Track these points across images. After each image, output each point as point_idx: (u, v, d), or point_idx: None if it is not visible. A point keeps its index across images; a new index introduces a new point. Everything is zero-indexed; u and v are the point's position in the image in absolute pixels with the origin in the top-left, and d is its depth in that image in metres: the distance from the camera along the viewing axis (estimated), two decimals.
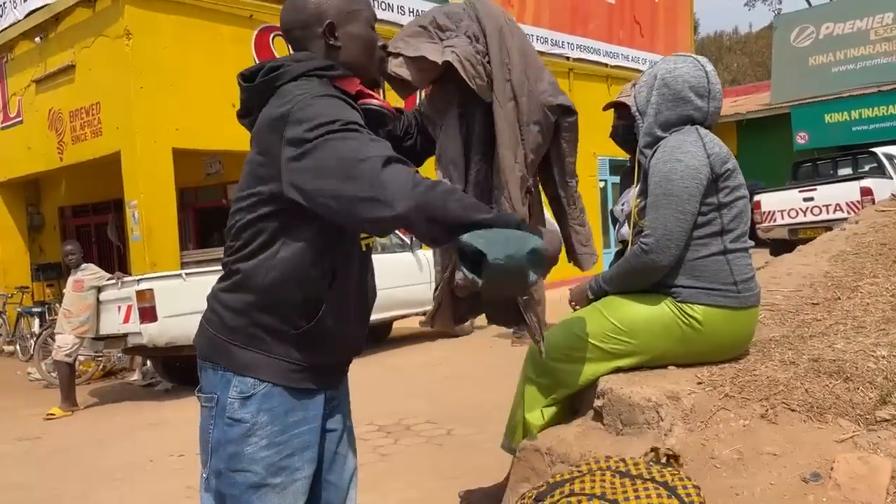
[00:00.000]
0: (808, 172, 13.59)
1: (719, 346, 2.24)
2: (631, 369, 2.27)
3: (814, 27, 18.87)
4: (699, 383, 2.15)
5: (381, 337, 9.58)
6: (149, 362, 8.46)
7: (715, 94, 2.27)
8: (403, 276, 8.72)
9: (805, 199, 11.63)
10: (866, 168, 12.92)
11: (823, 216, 11.63)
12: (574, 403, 2.42)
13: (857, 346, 2.24)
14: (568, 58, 14.70)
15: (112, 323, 7.24)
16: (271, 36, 10.30)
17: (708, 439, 1.93)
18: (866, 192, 11.33)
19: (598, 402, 2.22)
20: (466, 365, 7.37)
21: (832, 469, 1.70)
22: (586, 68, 15.13)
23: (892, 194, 5.21)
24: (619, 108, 2.98)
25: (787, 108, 18.39)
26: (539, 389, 2.36)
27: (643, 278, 2.23)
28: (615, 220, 3.01)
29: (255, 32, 10.10)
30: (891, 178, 12.29)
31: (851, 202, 11.37)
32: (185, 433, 5.67)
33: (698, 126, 2.27)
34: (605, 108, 3.11)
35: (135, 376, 8.84)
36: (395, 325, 9.67)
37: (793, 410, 1.95)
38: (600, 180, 15.57)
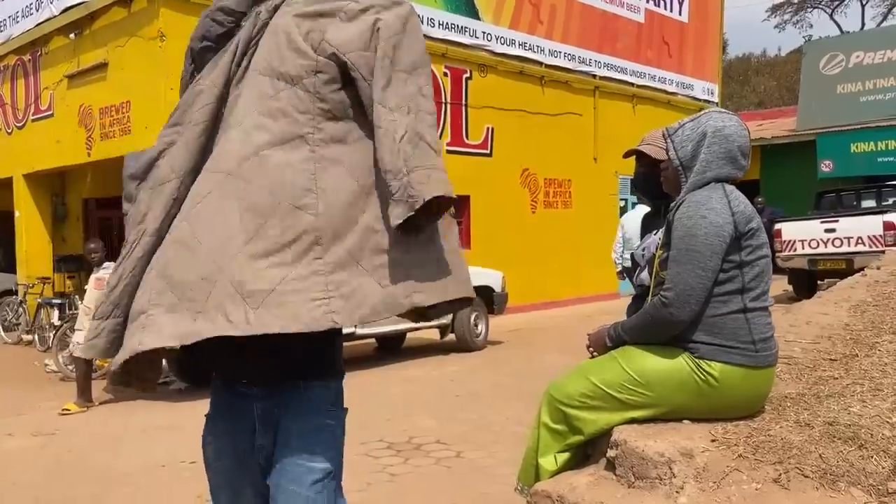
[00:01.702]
0: (831, 203, 13.51)
1: (734, 403, 2.26)
2: (645, 421, 2.29)
3: (843, 55, 18.75)
4: (713, 440, 2.16)
5: (395, 348, 9.64)
6: (164, 361, 8.55)
7: (749, 156, 2.31)
8: None
9: (826, 230, 11.56)
10: (890, 201, 12.83)
11: (844, 248, 11.55)
12: (587, 449, 2.44)
13: (873, 411, 2.24)
14: (594, 76, 14.72)
15: None
16: None
17: (720, 501, 1.94)
18: (889, 226, 11.25)
19: (611, 453, 2.24)
20: (477, 382, 7.40)
21: None
22: (612, 87, 15.14)
23: None
24: (640, 156, 3.00)
25: (812, 135, 18.28)
26: (553, 435, 2.38)
27: (661, 331, 2.25)
28: (636, 265, 3.02)
29: None
30: None
31: (874, 236, 11.29)
32: (197, 438, 5.73)
33: (725, 184, 2.29)
34: (626, 156, 3.13)
35: None
36: (409, 335, 9.72)
37: (806, 476, 1.96)
38: (621, 199, 15.55)
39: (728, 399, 2.23)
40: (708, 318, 2.21)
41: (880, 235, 11.24)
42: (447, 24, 12.23)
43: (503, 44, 13.07)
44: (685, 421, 2.28)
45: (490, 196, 12.75)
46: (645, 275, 2.90)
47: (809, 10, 43.77)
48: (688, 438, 2.17)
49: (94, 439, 5.87)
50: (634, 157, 3.06)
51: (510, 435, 5.09)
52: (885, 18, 42.09)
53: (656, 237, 2.91)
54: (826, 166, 18.19)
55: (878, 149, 17.69)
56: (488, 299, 9.58)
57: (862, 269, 10.45)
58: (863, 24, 41.93)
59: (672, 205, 2.33)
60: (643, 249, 2.95)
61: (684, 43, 17.03)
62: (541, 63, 13.68)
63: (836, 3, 43.35)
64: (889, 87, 17.93)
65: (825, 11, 43.81)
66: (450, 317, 9.09)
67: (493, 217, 12.74)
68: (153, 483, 4.64)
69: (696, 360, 2.21)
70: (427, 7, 11.92)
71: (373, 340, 9.43)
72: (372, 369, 8.27)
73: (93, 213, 13.51)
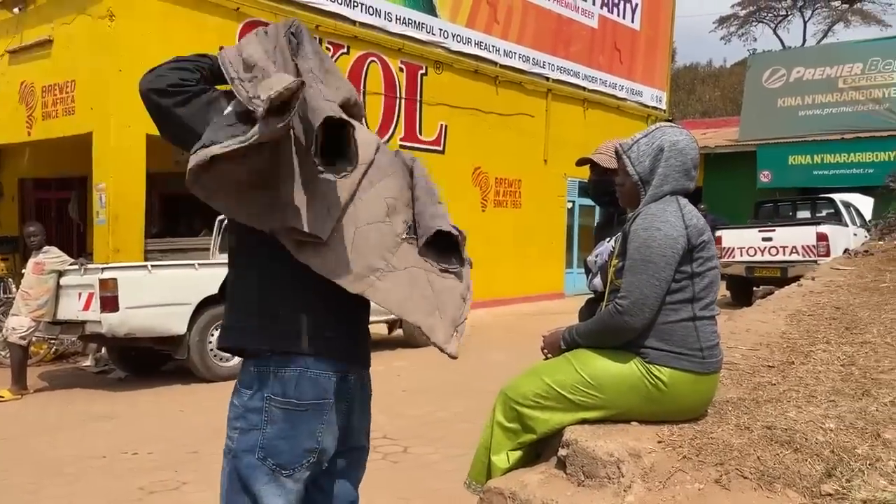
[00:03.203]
0: (769, 212, 14.00)
1: (681, 407, 2.36)
2: (596, 421, 2.37)
3: (785, 70, 19.42)
4: (659, 442, 2.26)
5: None
6: (103, 349, 8.37)
7: (698, 168, 2.41)
8: None
9: (764, 239, 11.99)
10: (824, 213, 13.36)
11: (780, 257, 12.00)
12: (538, 448, 2.51)
13: (807, 416, 2.37)
14: (547, 78, 14.91)
15: (71, 309, 7.16)
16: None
17: (665, 500, 2.03)
18: (822, 237, 11.73)
19: (562, 452, 2.32)
20: (425, 378, 7.45)
21: None
22: (564, 90, 15.35)
23: (847, 251, 5.42)
24: (593, 165, 3.09)
25: (753, 146, 18.90)
26: (506, 433, 2.45)
27: (615, 337, 2.33)
28: (588, 270, 3.11)
29: (241, 25, 10.06)
30: (846, 225, 12.74)
31: (807, 246, 11.76)
32: (138, 429, 5.65)
33: (679, 196, 2.39)
34: (579, 164, 3.21)
35: (87, 362, 8.74)
36: None
37: (745, 478, 2.07)
38: (569, 201, 15.80)
39: (675, 403, 2.33)
40: (659, 325, 2.30)
41: (813, 246, 11.72)
42: (404, 19, 12.22)
43: (459, 42, 13.13)
44: (634, 423, 2.37)
45: (442, 193, 12.77)
46: (598, 281, 2.98)
47: (754, 24, 45.12)
48: (636, 440, 2.26)
49: (29, 428, 5.72)
50: (588, 165, 3.14)
51: (458, 431, 5.16)
52: (825, 35, 43.66)
53: (609, 244, 3.01)
54: (765, 177, 18.84)
55: (814, 162, 18.41)
56: None
57: (795, 277, 10.89)
58: (804, 41, 43.40)
59: (629, 216, 2.42)
60: (596, 256, 3.04)
61: (635, 50, 17.38)
62: (495, 63, 13.79)
63: (780, 18, 44.81)
64: (826, 103, 18.65)
65: (769, 26, 45.23)
66: None
67: None
68: (92, 474, 4.56)
69: (647, 365, 2.30)
70: (385, 1, 11.91)
71: None
72: None
73: (29, 193, 13.06)
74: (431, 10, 12.71)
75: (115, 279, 6.81)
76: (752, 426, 2.32)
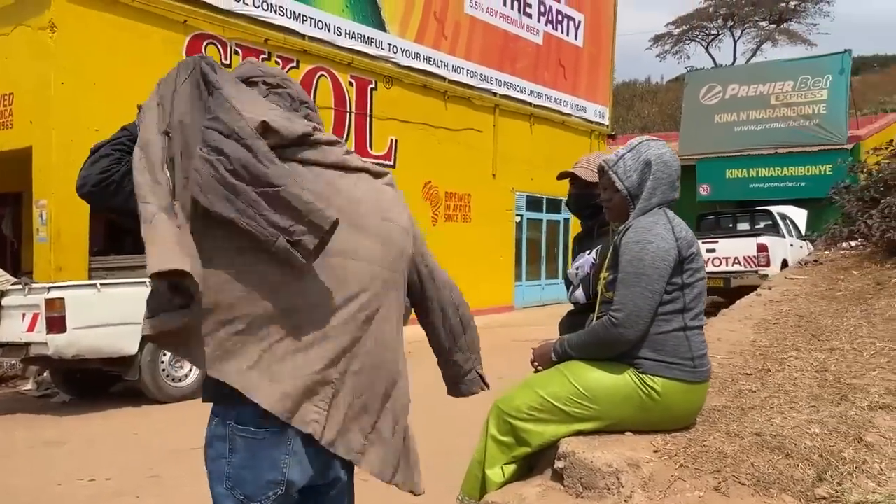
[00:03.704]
0: (711, 225, 14.43)
1: (673, 416, 2.40)
2: (590, 433, 2.39)
3: (721, 87, 20.10)
4: (655, 451, 2.29)
5: None
6: (45, 372, 8.04)
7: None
8: None
9: (707, 251, 12.33)
10: (762, 225, 13.84)
11: (723, 268, 12.38)
12: (531, 461, 2.51)
13: (792, 422, 2.44)
14: (495, 94, 15.07)
15: (13, 330, 6.87)
16: (204, 44, 10.10)
17: None
18: (762, 248, 12.16)
19: (559, 464, 2.32)
20: None
21: None
22: (511, 105, 15.54)
23: (799, 262, 5.62)
24: (574, 178, 3.12)
25: (693, 160, 19.46)
26: (500, 447, 2.44)
27: (609, 349, 2.36)
28: (569, 283, 3.14)
29: (188, 38, 9.89)
30: (784, 236, 13.22)
31: (748, 257, 12.17)
32: (92, 454, 5.44)
33: (665, 209, 2.44)
34: (560, 178, 3.23)
35: (28, 386, 8.38)
36: None
37: (742, 484, 2.11)
38: (517, 215, 15.95)
39: (668, 412, 2.37)
40: (651, 335, 2.34)
41: (754, 256, 12.14)
42: (354, 33, 12.20)
43: (408, 57, 13.17)
44: (627, 433, 2.40)
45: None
46: (579, 293, 3.02)
47: (687, 42, 46.69)
48: (632, 450, 2.29)
49: None
50: (568, 179, 3.18)
51: (425, 449, 5.11)
52: (754, 54, 45.47)
53: (590, 257, 3.05)
54: (704, 190, 19.42)
55: (751, 175, 19.08)
56: None
57: (738, 287, 11.23)
58: (734, 59, 45.10)
59: (619, 229, 2.45)
60: (577, 269, 3.07)
61: (579, 66, 17.73)
62: (444, 78, 13.88)
63: (712, 37, 46.46)
64: (760, 119, 19.36)
65: (701, 45, 46.86)
66: None
67: None
68: (50, 503, 4.36)
69: (641, 376, 2.33)
70: (334, 16, 11.87)
71: None
72: None
73: None
74: (381, 25, 12.72)
75: (62, 299, 6.56)
76: (741, 433, 2.38)
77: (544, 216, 16.84)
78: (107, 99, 8.87)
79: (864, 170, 6.57)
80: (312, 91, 11.59)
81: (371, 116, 12.63)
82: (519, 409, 2.41)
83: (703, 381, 2.40)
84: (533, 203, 16.40)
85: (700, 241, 11.03)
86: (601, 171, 2.57)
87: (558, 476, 2.33)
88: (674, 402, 2.35)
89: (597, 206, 3.05)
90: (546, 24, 16.54)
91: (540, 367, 2.59)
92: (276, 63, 11.05)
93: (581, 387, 2.36)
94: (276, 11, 10.95)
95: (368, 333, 1.67)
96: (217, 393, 1.63)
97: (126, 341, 6.92)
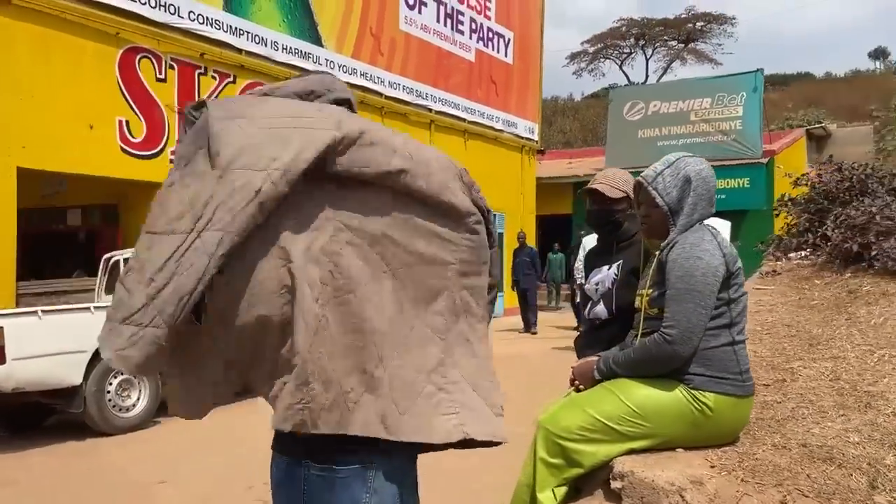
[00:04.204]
0: None
1: (722, 431, 2.41)
2: (641, 451, 2.38)
3: (644, 103, 20.80)
4: (712, 467, 2.29)
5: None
6: None
7: None
8: None
9: None
10: None
11: None
12: (578, 482, 2.47)
13: (831, 432, 2.50)
14: (430, 110, 15.11)
15: None
16: (137, 57, 9.72)
17: None
18: None
19: (616, 484, 2.29)
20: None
21: None
22: (446, 121, 15.62)
23: (760, 273, 5.82)
24: (593, 195, 3.12)
25: None
26: (550, 469, 2.40)
27: (661, 366, 2.35)
28: (587, 299, 3.13)
29: (121, 52, 9.50)
30: None
31: None
32: (46, 494, 5.08)
33: (708, 225, 2.46)
34: (583, 193, 3.23)
35: None
36: None
37: (805, 496, 2.14)
38: None
39: (718, 427, 2.38)
40: (700, 351, 2.34)
41: None
42: (291, 48, 12.01)
43: (345, 72, 13.04)
44: (678, 450, 2.40)
45: None
46: (600, 308, 3.02)
47: (602, 60, 48.26)
48: (689, 466, 2.28)
49: None
50: (587, 195, 3.18)
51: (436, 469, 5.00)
52: (665, 72, 47.42)
53: (611, 272, 3.05)
54: None
55: None
56: None
57: None
58: (647, 76, 46.90)
59: (664, 245, 2.45)
60: (597, 284, 3.07)
61: (509, 83, 18.00)
62: (381, 94, 13.83)
63: (625, 56, 48.22)
64: (682, 134, 20.11)
65: (615, 62, 48.56)
66: None
67: None
68: None
69: (692, 392, 2.34)
70: (271, 30, 11.66)
71: None
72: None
73: None
74: (317, 41, 12.57)
75: (1, 328, 6.12)
76: (788, 445, 2.41)
77: None
78: (36, 114, 8.42)
79: (808, 182, 6.89)
80: None
81: None
82: (569, 430, 2.37)
83: (750, 394, 2.42)
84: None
85: None
86: (638, 186, 2.58)
87: (615, 496, 2.30)
88: (724, 416, 2.36)
89: (616, 221, 3.08)
90: (477, 42, 16.73)
91: (582, 386, 2.56)
92: (213, 78, 10.76)
93: (633, 405, 2.34)
94: (212, 25, 10.66)
95: None
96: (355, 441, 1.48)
97: (70, 371, 6.52)
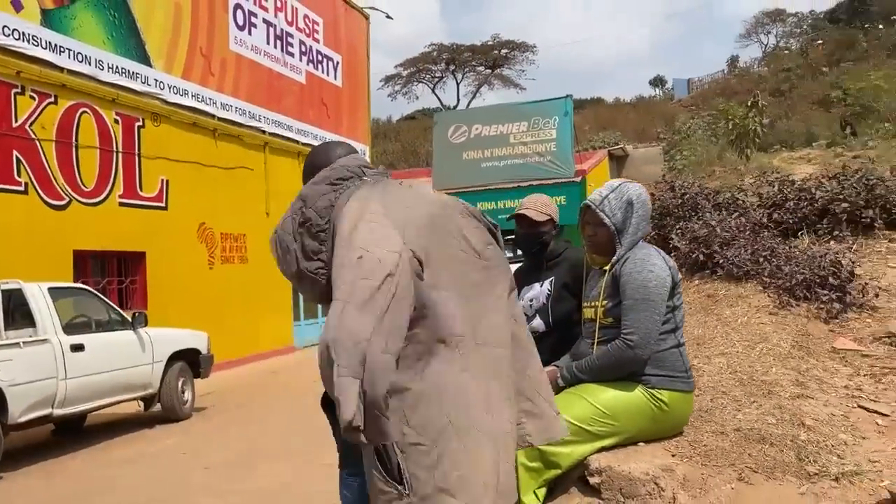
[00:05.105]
0: None
1: (675, 424, 2.73)
2: (610, 448, 2.63)
3: (466, 126, 21.73)
4: (673, 456, 2.59)
5: (76, 429, 8.32)
6: None
7: None
8: (122, 357, 7.87)
9: None
10: (510, 254, 15.17)
11: None
12: (550, 483, 2.67)
13: (751, 417, 2.90)
14: (264, 132, 14.82)
15: None
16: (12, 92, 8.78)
17: (713, 503, 2.36)
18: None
19: (594, 479, 2.53)
20: (217, 450, 6.92)
21: None
22: (280, 143, 15.39)
23: None
24: (522, 220, 3.38)
25: (446, 193, 20.68)
26: (530, 473, 2.57)
27: (623, 370, 2.62)
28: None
29: None
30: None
31: None
32: None
33: (647, 243, 2.78)
34: (508, 219, 3.47)
35: None
36: (104, 411, 8.55)
37: (755, 472, 2.49)
38: None
39: (673, 420, 2.69)
40: (654, 353, 2.65)
41: None
42: (117, 67, 11.32)
43: (176, 93, 12.50)
44: (640, 444, 2.67)
45: (167, 252, 11.97)
46: (537, 322, 3.26)
47: (415, 83, 49.61)
48: (655, 457, 2.57)
49: None
50: (515, 219, 3.42)
51: (317, 493, 4.96)
52: (475, 96, 49.67)
53: (543, 288, 3.31)
54: None
55: (498, 207, 20.76)
56: (194, 362, 8.98)
57: None
58: (458, 100, 48.85)
59: (614, 260, 2.73)
60: (531, 300, 3.31)
61: (340, 105, 18.08)
62: (213, 116, 13.37)
63: (437, 80, 49.91)
64: (503, 156, 21.24)
65: (428, 86, 50.11)
66: (157, 385, 8.32)
67: (171, 274, 11.96)
68: None
69: (650, 390, 2.63)
70: (95, 48, 10.93)
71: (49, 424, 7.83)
72: (62, 458, 7.05)
73: None
74: (146, 60, 11.94)
75: None
76: (724, 431, 2.77)
77: None
78: None
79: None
80: (74, 129, 10.52)
81: (140, 156, 11.75)
82: None
83: (693, 389, 2.76)
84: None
85: None
86: (586, 208, 2.85)
87: (594, 491, 2.53)
88: (677, 410, 2.68)
89: (544, 241, 3.35)
90: (308, 64, 16.68)
91: None
92: (32, 98, 9.90)
93: (602, 406, 2.59)
94: (29, 41, 9.81)
95: None
96: None
97: None
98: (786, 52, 44.08)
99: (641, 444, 2.68)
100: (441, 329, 1.89)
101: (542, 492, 2.59)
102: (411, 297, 1.78)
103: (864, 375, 3.57)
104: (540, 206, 3.39)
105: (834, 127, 24.53)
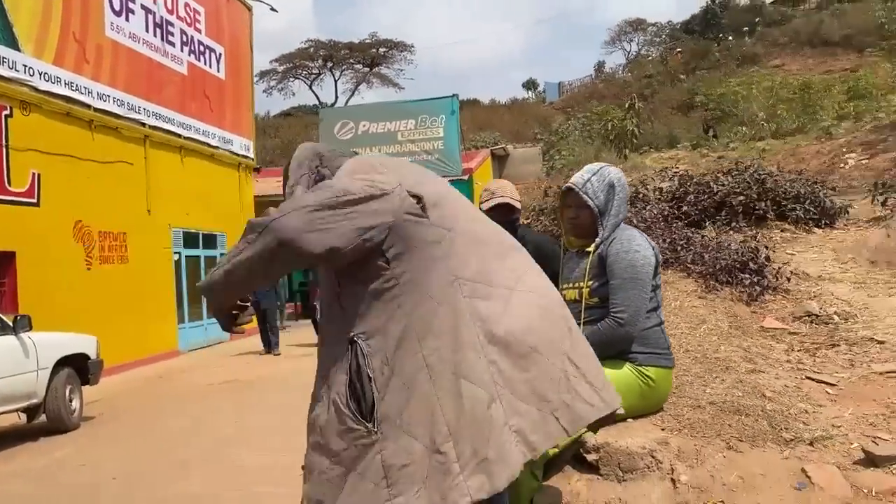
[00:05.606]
0: None
1: (659, 399, 2.80)
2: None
3: (353, 123, 21.54)
4: (662, 430, 2.66)
5: None
6: None
7: None
8: (2, 364, 7.20)
9: None
10: None
11: None
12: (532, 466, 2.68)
13: (720, 390, 3.03)
14: (144, 124, 14.01)
15: None
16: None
17: (710, 471, 2.44)
18: None
19: (591, 457, 2.56)
20: (118, 462, 6.45)
21: (809, 478, 2.38)
22: (161, 137, 14.59)
23: None
24: (502, 208, 3.38)
25: None
26: None
27: (614, 347, 2.66)
28: None
29: None
30: None
31: None
32: None
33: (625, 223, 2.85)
34: (488, 210, 3.44)
35: None
36: None
37: (740, 441, 2.60)
38: (175, 252, 14.97)
39: (657, 396, 2.77)
40: (640, 331, 2.71)
41: None
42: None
43: (47, 81, 11.57)
44: (629, 420, 2.73)
45: (39, 251, 11.06)
46: None
47: (292, 80, 48.56)
48: (648, 431, 2.63)
49: None
50: (494, 208, 3.41)
51: (257, 495, 4.74)
52: (353, 94, 49.24)
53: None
54: None
55: None
56: (82, 368, 8.35)
57: None
58: (336, 97, 48.24)
59: (599, 241, 2.78)
60: None
61: (223, 99, 17.38)
62: (89, 106, 12.49)
63: (314, 76, 49.08)
64: (392, 153, 21.15)
65: (305, 83, 49.20)
66: (42, 394, 7.67)
67: (45, 275, 11.06)
68: None
69: (638, 368, 2.69)
70: None
71: None
72: None
73: None
74: (13, 44, 10.98)
75: None
76: (700, 405, 2.88)
77: (202, 252, 16.08)
78: None
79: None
80: None
81: (7, 147, 10.79)
82: None
83: (673, 366, 2.85)
84: (190, 239, 15.59)
85: None
86: (568, 190, 2.87)
87: (591, 468, 2.56)
88: (662, 386, 2.76)
89: (517, 227, 3.38)
90: (189, 55, 15.92)
91: None
92: None
93: None
94: None
95: None
96: None
97: None
98: (648, 59, 46.63)
99: (630, 420, 2.74)
100: (454, 269, 1.88)
101: (539, 472, 2.59)
102: (375, 221, 1.81)
103: (798, 350, 3.83)
104: (512, 193, 3.43)
105: (695, 130, 26.25)
